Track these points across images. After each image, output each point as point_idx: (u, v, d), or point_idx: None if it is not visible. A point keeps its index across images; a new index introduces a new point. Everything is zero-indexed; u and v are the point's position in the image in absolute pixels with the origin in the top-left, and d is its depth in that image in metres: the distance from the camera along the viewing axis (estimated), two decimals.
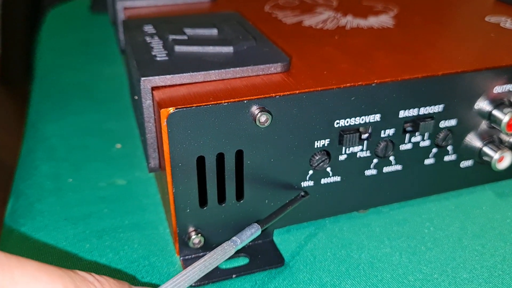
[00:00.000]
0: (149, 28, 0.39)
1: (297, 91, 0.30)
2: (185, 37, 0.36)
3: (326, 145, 0.32)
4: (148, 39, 0.36)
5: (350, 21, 0.43)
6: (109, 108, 0.52)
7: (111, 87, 0.57)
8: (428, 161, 0.36)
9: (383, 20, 0.43)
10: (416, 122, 0.34)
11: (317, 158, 0.33)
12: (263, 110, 0.29)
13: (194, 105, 0.28)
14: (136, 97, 0.35)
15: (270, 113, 0.30)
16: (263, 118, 0.29)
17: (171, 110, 0.28)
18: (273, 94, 0.30)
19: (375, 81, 0.31)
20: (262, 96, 0.29)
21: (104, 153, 0.44)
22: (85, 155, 0.44)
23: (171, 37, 0.36)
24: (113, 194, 0.39)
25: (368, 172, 0.35)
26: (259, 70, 0.32)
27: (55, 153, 0.44)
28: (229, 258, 0.33)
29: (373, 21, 0.43)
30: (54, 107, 0.53)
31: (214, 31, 0.37)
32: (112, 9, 0.50)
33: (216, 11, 0.46)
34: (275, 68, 0.32)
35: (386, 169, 0.35)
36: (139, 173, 0.42)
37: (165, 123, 0.28)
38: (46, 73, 0.62)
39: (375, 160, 0.34)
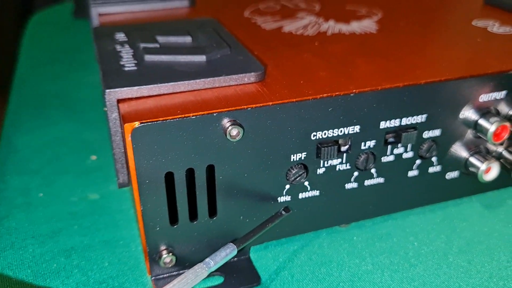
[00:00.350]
0: (120, 36, 0.37)
1: (271, 103, 0.29)
2: (156, 46, 0.34)
3: (303, 158, 0.31)
4: (118, 47, 0.35)
5: (332, 26, 0.42)
6: (86, 118, 0.50)
7: (90, 96, 0.55)
8: (412, 173, 0.35)
9: (366, 25, 0.42)
10: (398, 133, 0.33)
11: (294, 172, 0.31)
12: (234, 123, 0.28)
13: (160, 119, 0.27)
14: (105, 109, 0.33)
15: (242, 126, 0.28)
16: (234, 131, 0.28)
17: (136, 124, 0.27)
18: (245, 106, 0.28)
19: (353, 90, 0.30)
20: (233, 108, 0.28)
21: (78, 166, 0.43)
22: (58, 168, 0.42)
23: (142, 45, 0.34)
24: (85, 210, 0.38)
25: (348, 186, 0.33)
26: (232, 80, 0.30)
27: (27, 166, 0.43)
28: (204, 277, 0.32)
29: (356, 26, 0.42)
30: (29, 117, 0.51)
31: (188, 39, 0.35)
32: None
33: (194, 17, 0.44)
34: (249, 78, 0.31)
35: (367, 182, 0.34)
36: (114, 186, 0.40)
37: (130, 138, 0.27)
38: (25, 81, 0.60)
39: (355, 173, 0.33)
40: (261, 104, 0.28)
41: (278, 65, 0.34)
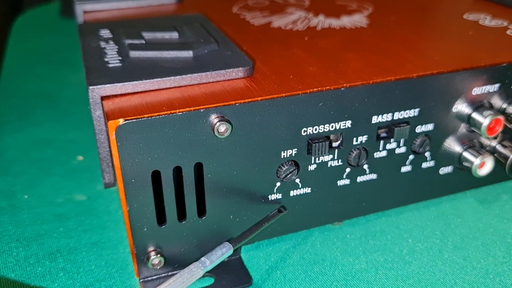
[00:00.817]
0: (105, 33, 0.36)
1: (259, 98, 0.28)
2: (142, 42, 0.33)
3: (293, 155, 0.30)
4: (102, 44, 0.34)
5: (321, 21, 0.41)
6: (72, 117, 0.49)
7: (76, 95, 0.54)
8: (405, 169, 0.34)
9: (357, 19, 0.41)
10: (390, 128, 0.32)
11: (285, 169, 0.30)
12: (222, 119, 0.27)
13: (145, 115, 0.26)
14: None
15: (230, 123, 0.27)
16: (222, 128, 0.27)
17: (120, 121, 0.26)
18: (233, 102, 0.27)
19: (344, 85, 0.29)
20: (221, 104, 0.27)
21: (64, 166, 0.42)
22: (43, 169, 0.41)
23: (127, 41, 0.33)
24: (71, 211, 0.37)
25: (340, 182, 0.33)
26: (219, 76, 0.30)
27: (12, 167, 0.42)
28: None
29: (346, 21, 0.41)
30: (14, 117, 0.50)
31: (174, 35, 0.35)
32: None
33: (181, 13, 0.43)
34: (237, 73, 0.30)
35: (360, 179, 0.33)
36: (101, 187, 0.39)
37: (114, 136, 0.26)
38: (10, 81, 0.59)
39: (348, 169, 0.32)
40: (250, 100, 0.28)
41: (267, 61, 0.33)
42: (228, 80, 0.30)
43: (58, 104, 0.52)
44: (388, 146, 0.32)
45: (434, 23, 0.41)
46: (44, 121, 0.49)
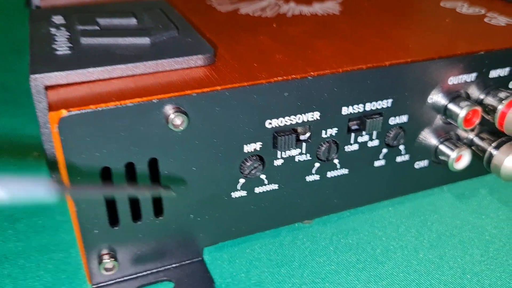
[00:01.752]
0: (57, 19, 0.33)
1: (219, 88, 0.26)
2: (96, 28, 0.31)
3: (258, 149, 0.28)
4: (53, 30, 0.31)
5: (292, 8, 0.39)
6: (30, 112, 0.46)
7: None
8: (378, 163, 0.32)
9: (329, 6, 0.39)
10: (362, 120, 0.30)
11: (249, 164, 0.28)
12: (178, 110, 0.25)
13: (91, 107, 0.24)
14: None
15: (187, 114, 0.25)
16: (177, 120, 0.25)
17: (63, 113, 0.23)
18: (190, 92, 0.25)
19: (311, 73, 0.27)
20: (177, 94, 0.25)
21: (18, 163, 0.39)
22: None
23: (80, 27, 0.31)
24: (21, 211, 0.34)
25: (309, 178, 0.31)
26: (177, 64, 0.27)
27: None
28: (151, 283, 0.29)
29: (318, 8, 0.39)
30: None
31: (132, 21, 0.32)
32: None
33: None
34: (196, 61, 0.28)
35: (330, 174, 0.31)
36: None
37: (56, 129, 0.23)
38: None
39: (317, 164, 0.30)
40: (208, 89, 0.25)
41: (230, 48, 0.31)
42: (187, 68, 0.28)
43: (16, 98, 0.49)
44: (360, 139, 0.31)
45: (410, 10, 0.40)
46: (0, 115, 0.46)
